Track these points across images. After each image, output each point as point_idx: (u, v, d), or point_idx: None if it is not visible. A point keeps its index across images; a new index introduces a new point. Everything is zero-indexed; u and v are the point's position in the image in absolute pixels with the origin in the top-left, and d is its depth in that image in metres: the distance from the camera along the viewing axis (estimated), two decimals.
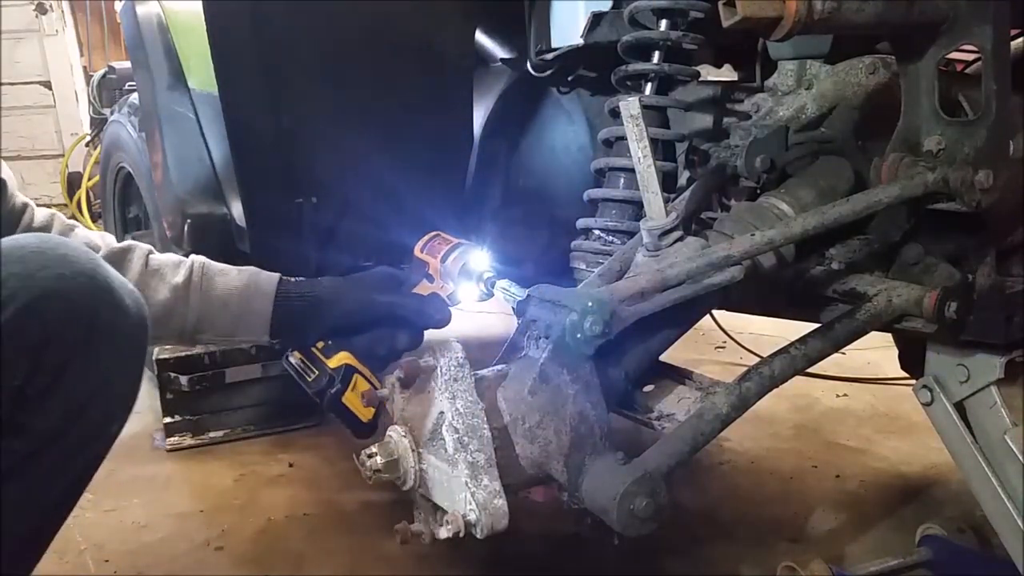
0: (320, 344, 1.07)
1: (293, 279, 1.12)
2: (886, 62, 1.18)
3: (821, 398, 2.53)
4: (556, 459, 0.86)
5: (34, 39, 5.88)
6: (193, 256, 1.12)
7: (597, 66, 1.49)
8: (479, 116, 1.64)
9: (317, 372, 1.05)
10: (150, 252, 1.11)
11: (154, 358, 2.02)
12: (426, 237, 1.13)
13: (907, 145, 1.03)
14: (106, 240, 1.11)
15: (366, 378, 1.03)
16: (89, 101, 4.48)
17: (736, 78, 1.43)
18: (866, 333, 1.02)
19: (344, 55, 1.49)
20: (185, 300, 1.07)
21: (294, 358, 1.08)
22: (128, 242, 1.12)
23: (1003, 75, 0.97)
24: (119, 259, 1.07)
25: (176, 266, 1.09)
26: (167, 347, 2.02)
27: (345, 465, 1.93)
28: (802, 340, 1.00)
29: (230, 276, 1.10)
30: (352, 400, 1.02)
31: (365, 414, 1.02)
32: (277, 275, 1.11)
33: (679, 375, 1.07)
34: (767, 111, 1.25)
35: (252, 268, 1.12)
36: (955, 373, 1.19)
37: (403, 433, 0.89)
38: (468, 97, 1.59)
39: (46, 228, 1.10)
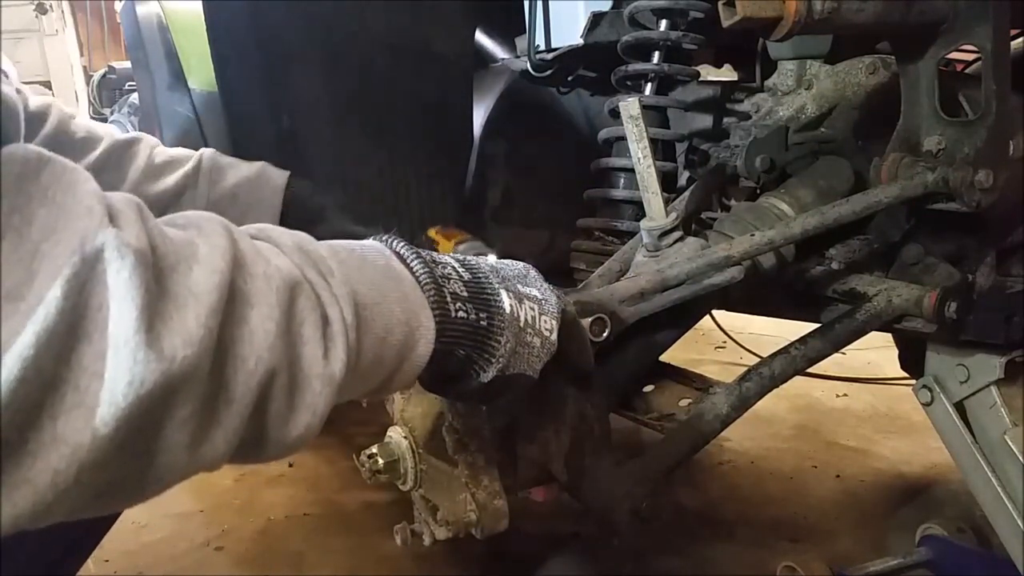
0: None
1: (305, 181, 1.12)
2: (886, 62, 1.18)
3: (821, 398, 2.53)
4: (556, 459, 0.86)
5: (34, 39, 5.89)
6: (203, 148, 1.11)
7: (597, 66, 1.49)
8: (479, 116, 1.64)
9: None
10: (157, 145, 1.10)
11: None
12: (443, 225, 1.16)
13: (907, 145, 1.03)
14: (109, 131, 1.09)
15: None
16: (89, 101, 4.49)
17: (736, 78, 1.43)
18: (866, 333, 1.02)
19: (344, 55, 1.49)
20: (195, 185, 1.05)
21: None
22: (135, 133, 1.11)
23: (1003, 75, 0.97)
24: (124, 150, 1.05)
25: (187, 156, 1.09)
26: None
27: (345, 465, 1.93)
28: (802, 340, 1.00)
29: (240, 167, 1.10)
30: None
31: None
32: (287, 172, 1.12)
33: (679, 375, 1.06)
34: (767, 111, 1.25)
35: (262, 163, 1.11)
36: (955, 373, 1.19)
37: (403, 434, 0.89)
38: (468, 97, 1.59)
39: (42, 115, 1.05)
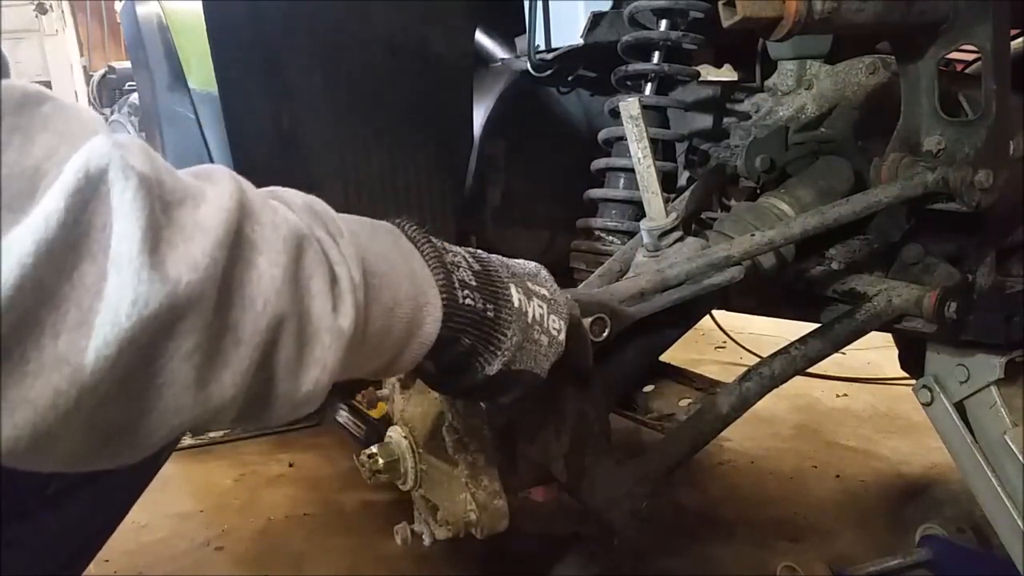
0: (359, 396, 1.13)
1: None
2: (886, 62, 1.18)
3: (821, 398, 2.53)
4: (556, 459, 0.86)
5: (34, 39, 5.90)
6: None
7: (597, 66, 1.49)
8: (479, 116, 1.64)
9: (365, 427, 1.10)
10: None
11: None
12: None
13: (907, 145, 1.03)
14: None
15: None
16: (89, 101, 4.49)
17: (736, 78, 1.43)
18: (866, 333, 1.02)
19: (344, 55, 1.49)
20: None
21: (342, 417, 1.16)
22: None
23: (1003, 75, 0.97)
24: None
25: None
26: None
27: (345, 465, 1.93)
28: (802, 340, 1.00)
29: None
30: None
31: None
32: None
33: (679, 375, 1.07)
34: (767, 111, 1.25)
35: None
36: (955, 373, 1.19)
37: (403, 433, 0.89)
38: (468, 97, 1.59)
39: None
